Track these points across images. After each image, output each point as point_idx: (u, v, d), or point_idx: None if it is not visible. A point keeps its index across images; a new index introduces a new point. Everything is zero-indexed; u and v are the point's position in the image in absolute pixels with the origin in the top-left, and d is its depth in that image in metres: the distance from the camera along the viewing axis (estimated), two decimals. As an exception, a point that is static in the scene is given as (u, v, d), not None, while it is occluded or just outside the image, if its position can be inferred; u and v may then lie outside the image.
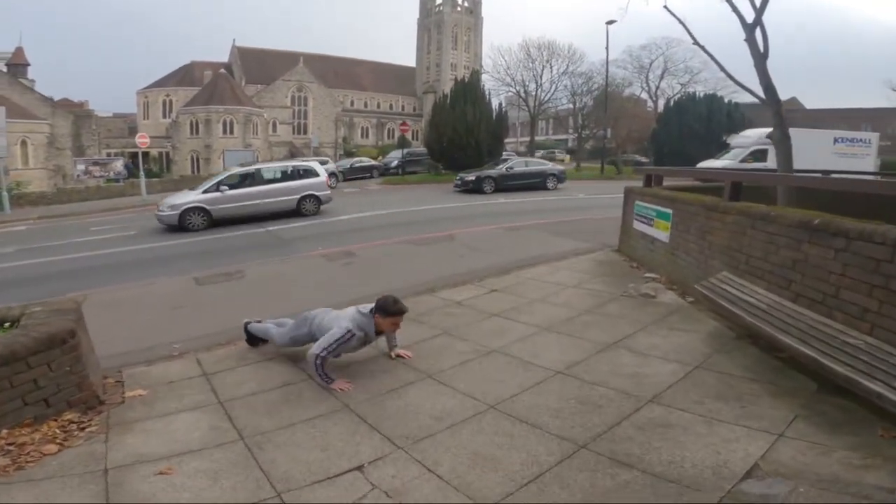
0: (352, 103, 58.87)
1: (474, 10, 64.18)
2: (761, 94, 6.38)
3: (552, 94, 37.29)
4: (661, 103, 41.80)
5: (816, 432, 2.55)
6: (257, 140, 43.36)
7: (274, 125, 49.62)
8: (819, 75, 75.34)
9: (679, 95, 38.92)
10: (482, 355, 3.83)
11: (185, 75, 51.63)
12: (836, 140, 22.10)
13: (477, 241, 8.97)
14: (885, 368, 2.26)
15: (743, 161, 20.44)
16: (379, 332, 3.63)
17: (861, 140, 21.71)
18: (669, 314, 4.41)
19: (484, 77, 38.10)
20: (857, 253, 2.73)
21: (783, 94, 6.98)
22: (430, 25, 63.54)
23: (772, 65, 6.51)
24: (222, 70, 47.19)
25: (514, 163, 19.94)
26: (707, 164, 21.77)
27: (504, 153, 28.44)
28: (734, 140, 22.78)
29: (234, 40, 56.29)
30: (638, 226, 6.43)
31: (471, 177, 18.63)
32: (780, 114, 5.91)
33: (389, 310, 3.49)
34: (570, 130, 41.78)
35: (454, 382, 3.39)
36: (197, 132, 41.74)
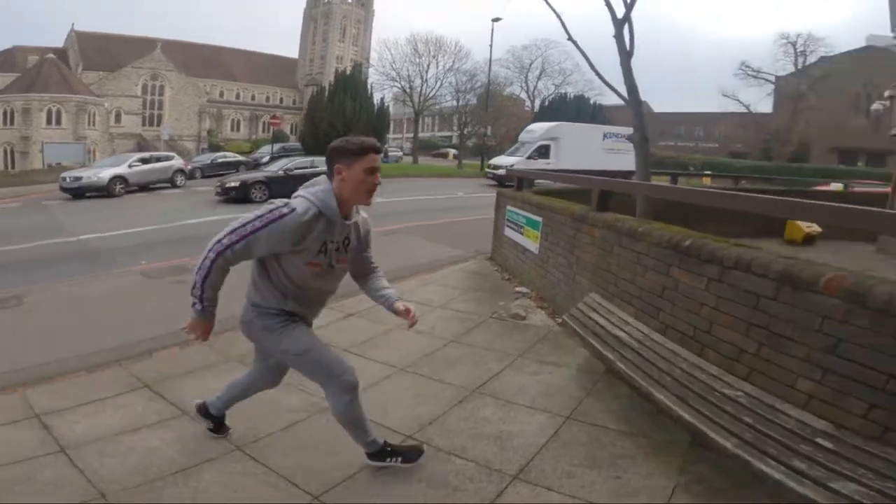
0: (221, 94, 53.17)
1: (366, 4, 61.42)
2: (626, 94, 6.26)
3: (437, 90, 36.99)
4: (538, 103, 43.99)
5: (699, 509, 2.12)
6: (94, 132, 37.27)
7: (118, 115, 43.00)
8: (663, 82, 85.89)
9: (553, 96, 41.34)
10: (317, 412, 2.91)
11: (4, 61, 42.51)
12: (605, 136, 22.05)
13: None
14: (778, 437, 1.81)
15: (529, 157, 19.76)
16: (346, 214, 1.97)
17: (626, 136, 19.66)
18: (538, 341, 3.90)
19: (370, 71, 36.69)
20: (733, 285, 2.32)
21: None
22: (317, 16, 59.44)
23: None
24: (51, 55, 39.67)
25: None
26: (498, 160, 21.13)
27: (386, 147, 27.41)
28: (521, 135, 22.12)
29: (72, 24, 47.61)
30: (509, 233, 5.97)
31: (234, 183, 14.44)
32: (642, 114, 5.81)
33: (351, 147, 1.87)
34: (455, 128, 42.14)
35: (270, 458, 2.48)
36: (12, 122, 34.59)
